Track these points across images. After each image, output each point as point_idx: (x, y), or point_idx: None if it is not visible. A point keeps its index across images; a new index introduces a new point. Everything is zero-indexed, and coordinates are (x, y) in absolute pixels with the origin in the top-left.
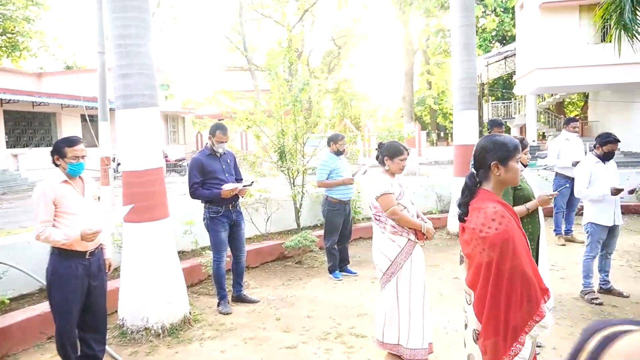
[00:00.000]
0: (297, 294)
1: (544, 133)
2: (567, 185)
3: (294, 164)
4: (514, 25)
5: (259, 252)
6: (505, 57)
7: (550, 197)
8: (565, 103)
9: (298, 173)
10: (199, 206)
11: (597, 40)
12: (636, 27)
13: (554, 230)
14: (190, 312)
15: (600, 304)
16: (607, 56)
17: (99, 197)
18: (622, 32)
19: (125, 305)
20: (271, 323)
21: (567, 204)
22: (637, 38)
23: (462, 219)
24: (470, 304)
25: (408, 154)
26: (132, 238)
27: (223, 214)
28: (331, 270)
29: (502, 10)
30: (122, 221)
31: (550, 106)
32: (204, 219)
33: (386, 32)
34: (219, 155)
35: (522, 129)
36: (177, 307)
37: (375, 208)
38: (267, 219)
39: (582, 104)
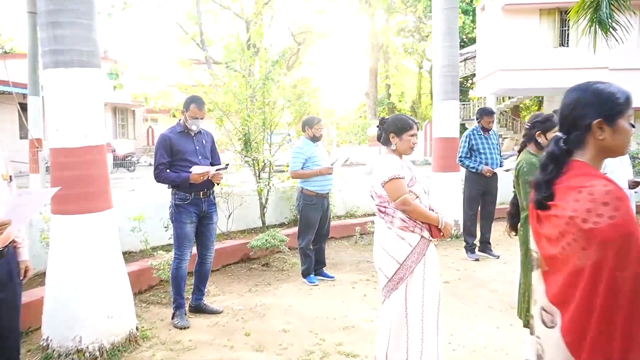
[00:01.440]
0: (268, 302)
1: (501, 135)
2: None
3: (260, 153)
4: (473, 28)
5: (220, 252)
6: (465, 59)
7: None
8: (521, 107)
9: (265, 165)
10: (150, 200)
11: (556, 44)
12: (611, 22)
13: None
14: (137, 328)
15: None
16: (565, 60)
17: (10, 177)
18: (597, 28)
19: (51, 321)
20: (240, 339)
21: None
22: (612, 34)
23: (543, 203)
24: (552, 327)
25: (418, 129)
26: (61, 234)
27: (191, 202)
28: (305, 274)
29: (462, 12)
30: (50, 212)
31: (507, 109)
32: (169, 208)
33: (350, 28)
34: (192, 134)
35: None
36: (120, 321)
37: (380, 197)
38: (229, 216)
39: (536, 107)
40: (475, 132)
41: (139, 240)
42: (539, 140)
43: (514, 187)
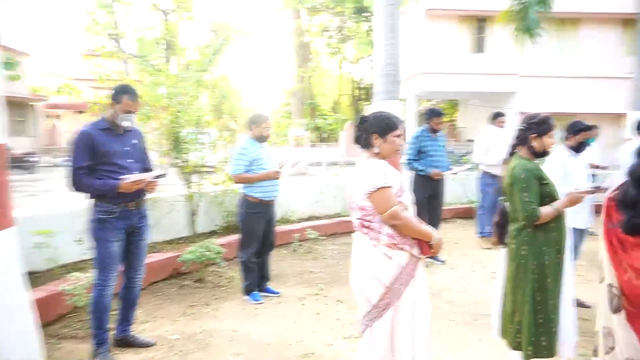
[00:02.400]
0: (209, 327)
1: None
2: (494, 184)
3: (188, 152)
4: None
5: (146, 268)
6: None
7: (584, 194)
8: None
9: (196, 167)
10: (57, 208)
11: (474, 50)
12: (537, 30)
13: (479, 232)
14: None
15: None
16: (480, 65)
17: None
18: (525, 33)
19: None
20: None
21: (492, 205)
22: (537, 40)
23: (637, 228)
24: None
25: (404, 129)
26: None
27: (119, 216)
28: (248, 291)
29: None
30: None
31: (422, 112)
32: (90, 223)
33: (274, 26)
34: (121, 132)
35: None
36: None
37: (363, 210)
38: (155, 225)
39: (452, 111)
40: (424, 133)
41: (44, 259)
42: (533, 144)
43: (504, 195)
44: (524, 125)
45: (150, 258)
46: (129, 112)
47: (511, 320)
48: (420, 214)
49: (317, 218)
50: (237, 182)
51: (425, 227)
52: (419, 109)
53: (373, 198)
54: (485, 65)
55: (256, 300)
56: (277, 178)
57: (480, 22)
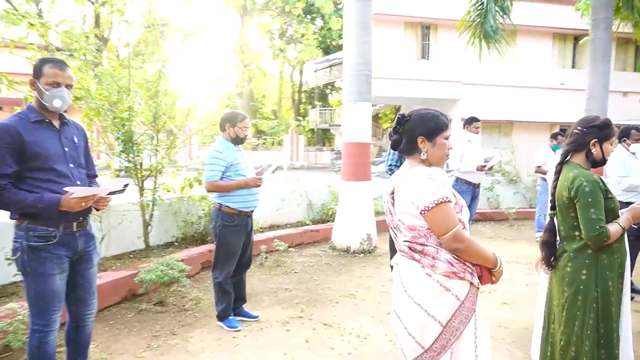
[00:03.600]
0: None
1: None
2: (470, 191)
3: (141, 154)
4: (340, 35)
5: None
6: (331, 66)
7: None
8: (380, 115)
9: (151, 172)
10: None
11: (419, 56)
12: (496, 36)
13: None
14: None
15: None
16: (425, 72)
17: None
18: (482, 38)
19: None
20: None
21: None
22: (496, 46)
23: None
24: None
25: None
26: None
27: (59, 242)
28: (223, 316)
29: (329, 18)
30: None
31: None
32: (15, 252)
33: (219, 25)
34: (57, 126)
35: None
36: None
37: (413, 230)
38: (103, 238)
39: (393, 116)
40: None
41: None
42: (592, 151)
43: (556, 210)
44: (582, 129)
45: (100, 279)
46: (57, 84)
47: (564, 355)
48: None
49: (279, 227)
50: (211, 191)
51: (489, 252)
52: None
53: (431, 216)
54: (430, 72)
55: (233, 327)
56: (258, 185)
57: (425, 29)
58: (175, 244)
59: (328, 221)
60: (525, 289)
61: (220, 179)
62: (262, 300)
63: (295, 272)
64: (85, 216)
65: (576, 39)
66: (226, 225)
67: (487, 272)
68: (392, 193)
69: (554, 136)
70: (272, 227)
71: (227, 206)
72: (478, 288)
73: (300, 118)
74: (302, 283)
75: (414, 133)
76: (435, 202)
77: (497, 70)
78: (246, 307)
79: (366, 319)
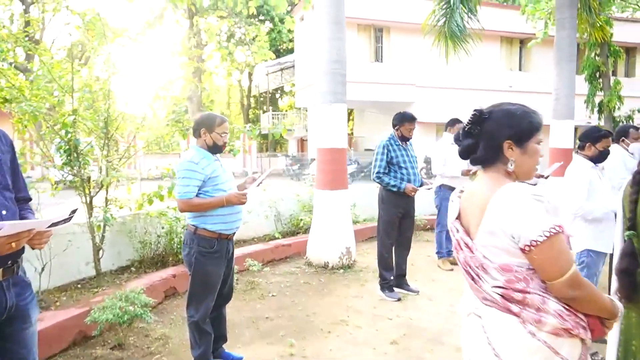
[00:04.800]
0: None
1: None
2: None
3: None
4: (291, 39)
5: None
6: (282, 69)
7: None
8: None
9: (101, 187)
10: None
11: (372, 59)
12: (462, 35)
13: (437, 252)
14: None
15: None
16: (379, 75)
17: None
18: (448, 38)
19: None
20: None
21: None
22: (461, 46)
23: None
24: None
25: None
26: None
27: None
28: None
29: (280, 20)
30: None
31: None
32: None
33: (167, 25)
34: None
35: (303, 142)
36: None
37: (508, 271)
38: (43, 268)
39: (349, 119)
40: (392, 141)
41: None
42: None
43: (637, 230)
44: None
45: (42, 321)
46: None
47: None
48: (390, 236)
49: (246, 242)
50: (185, 211)
51: (609, 299)
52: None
53: (539, 253)
54: (384, 75)
55: None
56: (242, 203)
57: (378, 31)
58: (132, 268)
59: (298, 233)
60: None
61: (196, 195)
62: (241, 334)
63: (272, 296)
64: (16, 259)
65: (522, 42)
66: (203, 252)
67: (599, 322)
68: (459, 217)
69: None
70: (238, 243)
71: (204, 229)
72: (589, 347)
73: (253, 125)
74: (284, 309)
75: (498, 136)
76: (547, 235)
77: (449, 73)
78: (227, 346)
79: (368, 351)
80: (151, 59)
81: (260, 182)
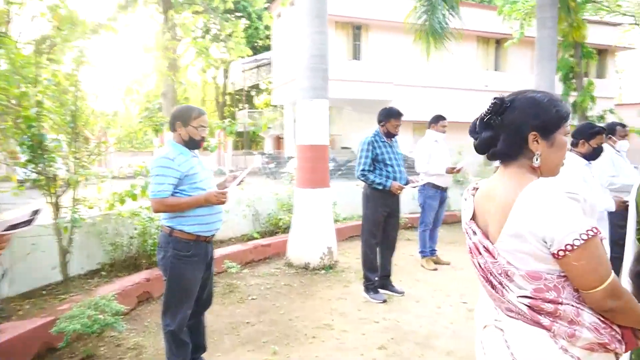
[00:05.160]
0: None
1: None
2: (437, 196)
3: (51, 161)
4: (268, 35)
5: None
6: (258, 66)
7: None
8: None
9: (69, 186)
10: None
11: (350, 57)
12: (444, 32)
13: (420, 252)
14: None
15: None
16: (357, 73)
17: None
18: (430, 35)
19: None
20: None
21: (434, 219)
22: (443, 44)
23: None
24: None
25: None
26: None
27: None
28: None
29: (257, 17)
30: None
31: None
32: None
33: (141, 20)
34: None
35: (279, 140)
36: None
37: (537, 279)
38: (3, 275)
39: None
40: (377, 138)
41: None
42: None
43: None
44: None
45: (2, 334)
46: None
47: None
48: (375, 236)
49: (223, 242)
50: (160, 211)
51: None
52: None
53: (575, 258)
54: (362, 73)
55: None
56: (222, 202)
57: (356, 29)
58: (102, 272)
59: (277, 232)
60: None
61: (172, 194)
62: (221, 341)
63: (252, 299)
64: None
65: (498, 42)
66: (180, 255)
67: (632, 333)
68: (474, 218)
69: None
70: (215, 244)
71: (180, 230)
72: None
73: (232, 120)
74: (265, 313)
75: (522, 127)
76: (584, 238)
77: (427, 71)
78: (205, 354)
79: (356, 357)
80: (123, 50)
81: (242, 181)
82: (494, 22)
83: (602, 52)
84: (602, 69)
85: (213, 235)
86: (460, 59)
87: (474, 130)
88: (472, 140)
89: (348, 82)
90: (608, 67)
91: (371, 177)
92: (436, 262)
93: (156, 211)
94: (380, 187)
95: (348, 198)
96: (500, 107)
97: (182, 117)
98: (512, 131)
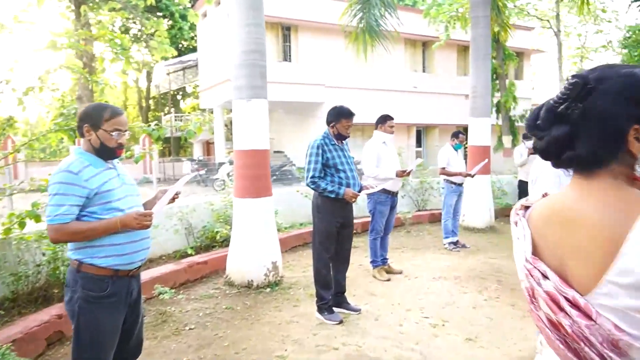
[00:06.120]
0: None
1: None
2: (388, 201)
3: None
4: (193, 37)
5: None
6: (184, 68)
7: None
8: None
9: None
10: None
11: (280, 59)
12: (380, 29)
13: (371, 261)
14: None
15: None
16: (287, 74)
17: None
18: (366, 33)
19: None
20: None
21: (385, 226)
22: (381, 42)
23: None
24: None
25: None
26: None
27: None
28: None
29: (180, 17)
30: None
31: (229, 122)
32: None
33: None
34: None
35: (208, 145)
36: None
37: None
38: None
39: None
40: (327, 140)
41: None
42: None
43: None
44: None
45: None
46: None
47: None
48: (328, 250)
49: (153, 261)
50: (61, 241)
51: None
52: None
53: None
54: (292, 75)
55: None
56: (145, 227)
57: (285, 30)
58: (1, 312)
59: (214, 247)
60: (479, 314)
61: (77, 218)
62: None
63: (190, 329)
64: None
65: (424, 45)
66: (91, 297)
67: None
68: (537, 253)
69: (455, 135)
70: (143, 264)
71: (91, 264)
72: None
73: (159, 124)
74: (206, 346)
75: (618, 118)
76: None
77: (358, 73)
78: None
79: None
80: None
81: (176, 196)
82: (421, 25)
83: (519, 55)
84: (519, 71)
85: (138, 267)
86: (389, 61)
87: (535, 124)
88: (402, 140)
89: (278, 84)
90: (524, 69)
91: (322, 184)
92: (388, 272)
93: (55, 241)
94: (333, 196)
95: (287, 204)
96: (582, 90)
97: (92, 119)
98: (601, 125)
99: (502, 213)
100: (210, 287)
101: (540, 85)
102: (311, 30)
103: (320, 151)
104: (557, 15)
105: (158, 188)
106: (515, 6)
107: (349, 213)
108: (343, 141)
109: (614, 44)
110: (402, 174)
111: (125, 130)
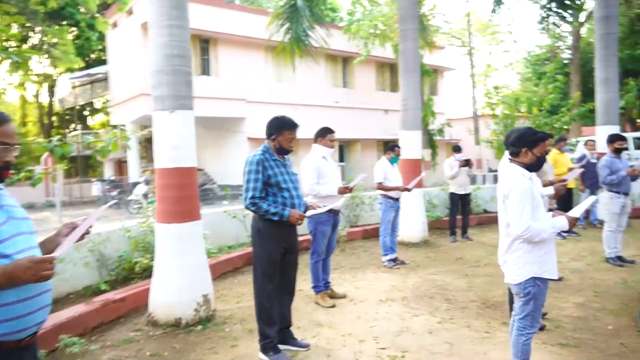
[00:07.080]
0: None
1: (143, 169)
2: (330, 220)
3: None
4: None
5: None
6: (92, 82)
7: None
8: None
9: None
10: None
11: (199, 72)
12: (308, 40)
13: (313, 287)
14: None
15: None
16: (207, 89)
17: None
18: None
19: None
20: None
21: (327, 247)
22: (307, 56)
23: None
24: None
25: None
26: None
27: None
28: None
29: (88, 26)
30: None
31: (143, 139)
32: None
33: None
34: None
35: (121, 164)
36: None
37: None
38: None
39: None
40: (267, 155)
41: None
42: None
43: None
44: None
45: None
46: None
47: None
48: (272, 280)
49: (59, 301)
50: None
51: None
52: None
53: None
54: (212, 89)
55: None
56: (43, 278)
57: (204, 42)
58: None
59: (132, 279)
60: (438, 340)
61: None
62: None
63: None
64: None
65: (345, 60)
66: None
67: None
68: None
69: (390, 149)
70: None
71: None
72: None
73: (63, 139)
74: None
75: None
76: None
77: (279, 88)
78: None
79: None
80: None
81: (87, 231)
82: (341, 41)
83: (435, 72)
84: (433, 87)
85: (34, 334)
86: (310, 77)
87: None
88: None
89: (197, 99)
90: (439, 85)
91: (264, 206)
92: (332, 297)
93: None
94: (277, 218)
95: (213, 226)
96: None
97: None
98: None
99: (434, 225)
100: (130, 330)
101: (452, 101)
102: (231, 44)
103: (260, 168)
104: (469, 34)
105: (63, 212)
106: (432, 25)
107: (293, 237)
108: (285, 156)
109: (516, 64)
110: (344, 190)
111: (14, 144)
